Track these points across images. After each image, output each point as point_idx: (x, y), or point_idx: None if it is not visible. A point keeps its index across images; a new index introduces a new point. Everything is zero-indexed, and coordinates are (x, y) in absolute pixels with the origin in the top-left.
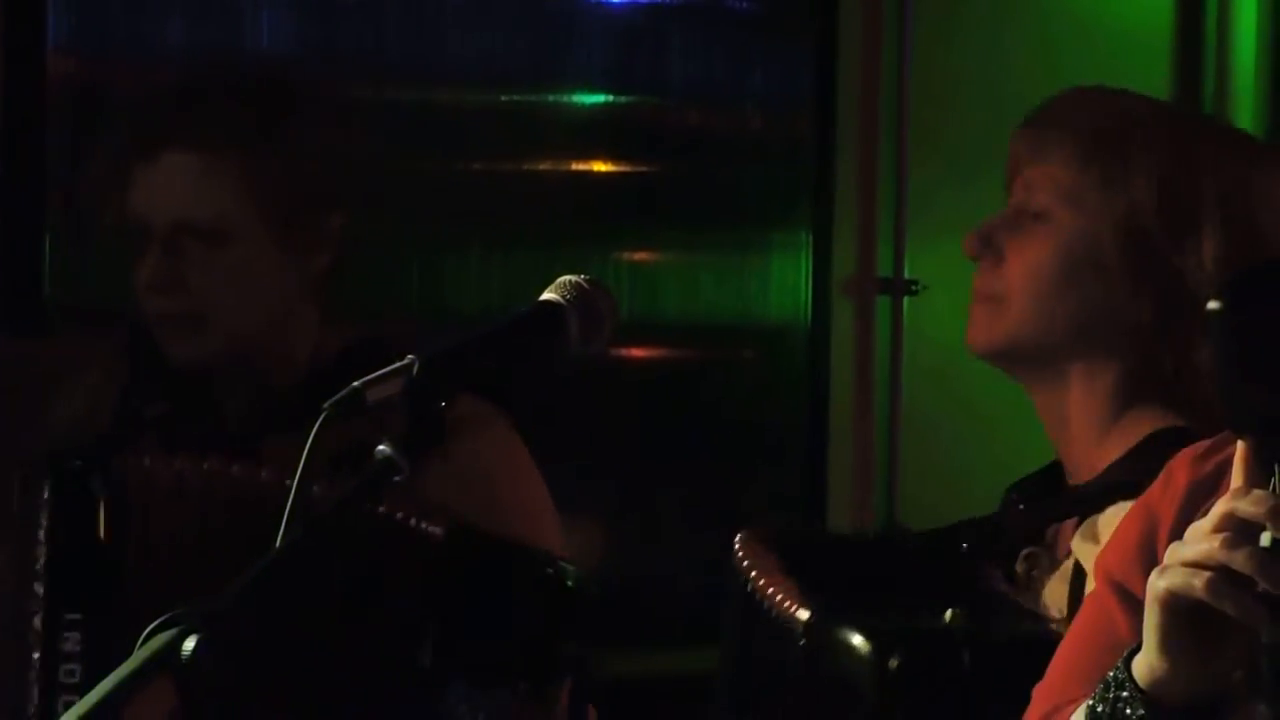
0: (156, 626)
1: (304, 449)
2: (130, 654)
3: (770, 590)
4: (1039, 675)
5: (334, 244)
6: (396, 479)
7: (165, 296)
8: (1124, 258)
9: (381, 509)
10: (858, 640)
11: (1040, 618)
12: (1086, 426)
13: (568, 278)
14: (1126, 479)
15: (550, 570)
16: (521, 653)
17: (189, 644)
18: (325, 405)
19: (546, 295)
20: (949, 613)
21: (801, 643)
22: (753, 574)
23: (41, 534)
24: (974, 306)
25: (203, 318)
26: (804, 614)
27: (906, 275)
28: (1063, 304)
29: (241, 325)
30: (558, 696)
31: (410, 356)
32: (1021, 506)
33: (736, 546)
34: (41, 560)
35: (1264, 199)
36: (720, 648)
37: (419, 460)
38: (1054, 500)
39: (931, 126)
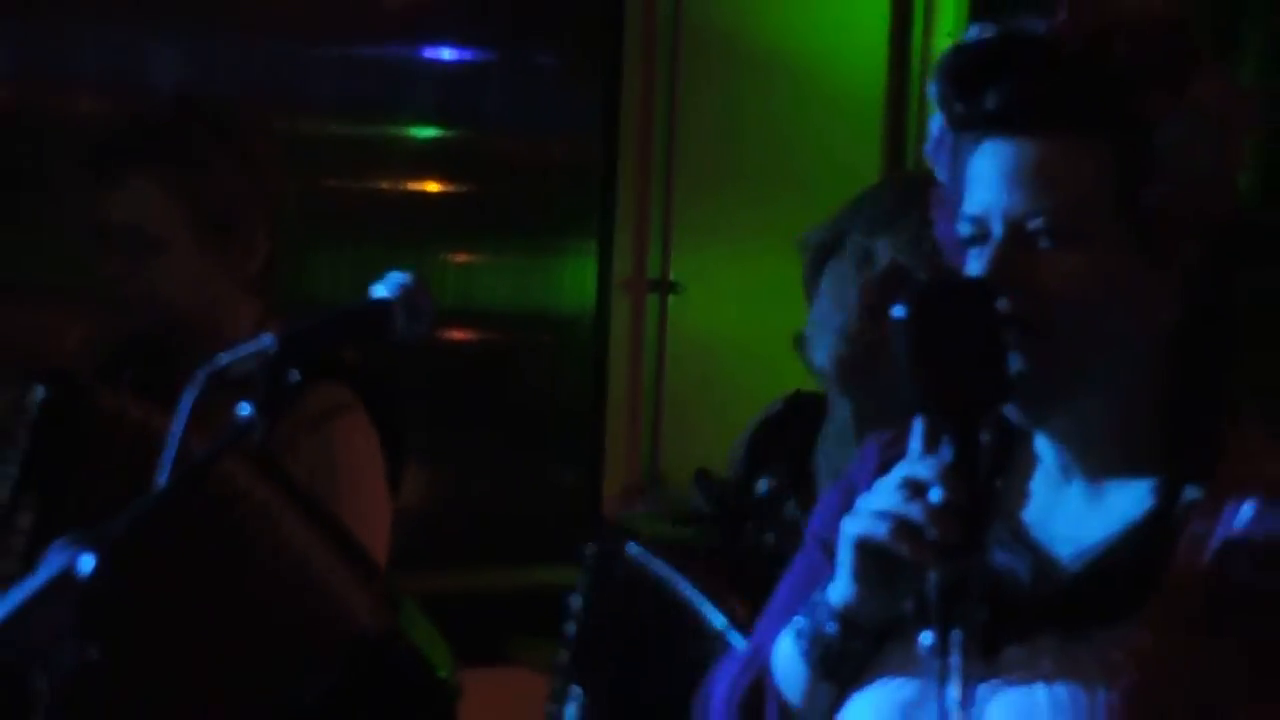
0: (57, 546)
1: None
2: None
3: None
4: None
5: (263, 251)
6: (255, 434)
7: (125, 285)
8: None
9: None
10: None
11: None
12: None
13: (396, 275)
14: None
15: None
16: None
17: (86, 561)
18: (197, 376)
19: (378, 291)
20: None
21: None
22: None
23: (28, 431)
24: None
25: (151, 298)
26: None
27: (671, 277)
28: None
29: (173, 309)
30: None
31: (269, 337)
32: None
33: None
34: (23, 450)
35: None
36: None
37: (274, 419)
38: None
39: (694, 158)
